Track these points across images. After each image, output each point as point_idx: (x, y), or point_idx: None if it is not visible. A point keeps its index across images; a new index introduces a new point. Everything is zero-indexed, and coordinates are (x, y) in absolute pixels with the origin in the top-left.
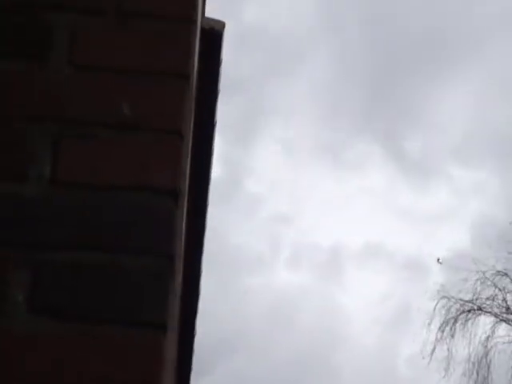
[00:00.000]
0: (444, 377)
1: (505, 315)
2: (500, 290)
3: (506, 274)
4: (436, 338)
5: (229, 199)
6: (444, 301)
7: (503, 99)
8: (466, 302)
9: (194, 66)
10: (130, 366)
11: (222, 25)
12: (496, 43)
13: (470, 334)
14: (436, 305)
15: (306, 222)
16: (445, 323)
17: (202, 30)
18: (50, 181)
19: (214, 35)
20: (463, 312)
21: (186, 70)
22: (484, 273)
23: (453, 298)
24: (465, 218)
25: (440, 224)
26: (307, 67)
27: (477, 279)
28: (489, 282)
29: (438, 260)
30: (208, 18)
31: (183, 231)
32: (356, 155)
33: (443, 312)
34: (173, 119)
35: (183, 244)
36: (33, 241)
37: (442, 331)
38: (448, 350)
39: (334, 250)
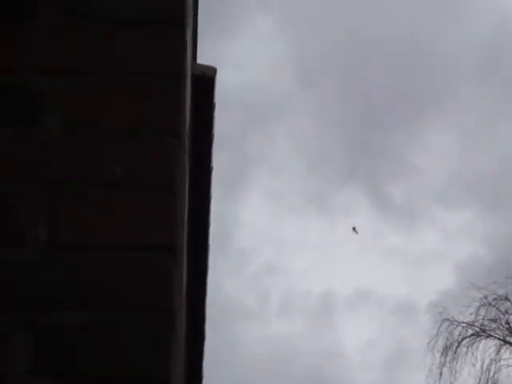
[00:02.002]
0: None
1: (508, 338)
2: (503, 313)
3: (506, 298)
4: (440, 362)
5: (218, 251)
6: (446, 324)
7: (484, 140)
8: (469, 324)
9: (185, 122)
10: None
11: (214, 70)
12: (477, 86)
13: (474, 358)
14: (439, 328)
15: (296, 271)
16: (448, 347)
17: (194, 75)
18: (46, 243)
19: (205, 81)
20: (466, 337)
21: (177, 126)
22: (486, 297)
23: (455, 321)
24: (452, 258)
25: (428, 266)
26: (289, 121)
27: (479, 304)
28: (491, 306)
29: (354, 229)
30: (199, 64)
31: (184, 285)
32: (342, 203)
33: (446, 335)
34: (165, 176)
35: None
36: (33, 304)
37: (446, 355)
38: (452, 373)
39: (325, 297)
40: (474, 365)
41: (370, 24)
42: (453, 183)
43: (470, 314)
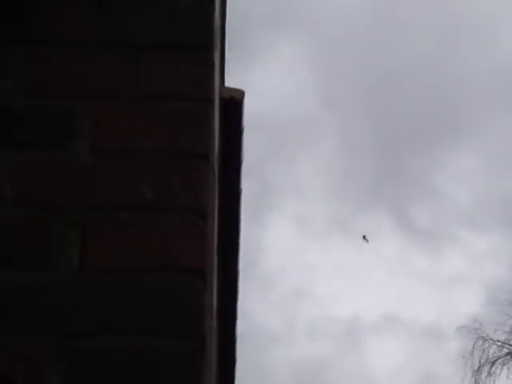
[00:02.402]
0: None
1: None
2: None
3: None
4: (474, 381)
5: (245, 276)
6: (480, 341)
7: (509, 163)
8: (504, 343)
9: (214, 145)
10: None
11: (242, 93)
12: (502, 110)
13: (507, 377)
14: (473, 346)
15: (322, 295)
16: (482, 365)
17: (222, 99)
18: (78, 268)
19: (234, 104)
20: (501, 356)
21: (206, 150)
22: None
23: (490, 339)
24: (479, 282)
25: (455, 289)
26: (314, 145)
27: None
28: None
29: (364, 237)
30: (227, 88)
31: (214, 308)
32: (367, 226)
33: (480, 353)
34: (195, 199)
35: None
36: (65, 329)
37: (480, 374)
38: None
39: (352, 321)
40: None
41: (395, 50)
42: (479, 206)
43: (506, 332)
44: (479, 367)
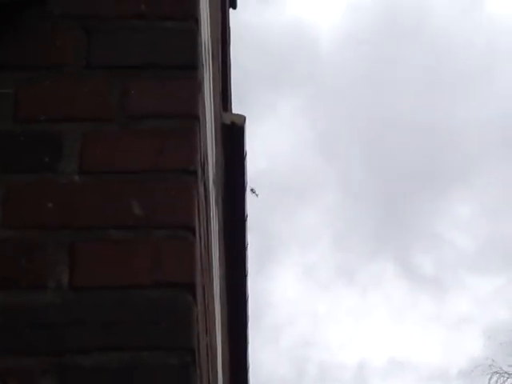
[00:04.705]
0: None
1: None
2: None
3: None
4: None
5: (253, 327)
6: (496, 376)
7: (507, 209)
8: None
9: (200, 161)
10: None
11: (243, 118)
12: (499, 156)
13: None
14: (489, 381)
15: (330, 343)
16: None
17: (224, 125)
18: (68, 287)
19: (235, 129)
20: None
21: (193, 166)
22: None
23: (506, 373)
24: (485, 324)
25: (460, 332)
26: (316, 196)
27: None
28: None
29: (252, 190)
30: (228, 113)
31: (209, 327)
32: (372, 273)
33: None
34: (184, 215)
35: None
36: (58, 347)
37: None
38: None
39: (360, 367)
40: None
41: (393, 101)
42: (481, 251)
43: None
44: None
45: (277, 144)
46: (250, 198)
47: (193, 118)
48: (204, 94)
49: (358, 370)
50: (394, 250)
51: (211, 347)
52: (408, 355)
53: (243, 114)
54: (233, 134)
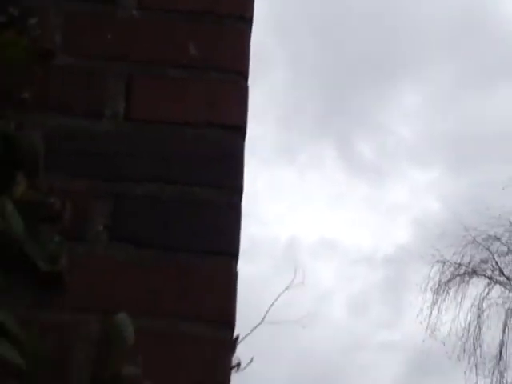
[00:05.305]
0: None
1: (498, 278)
2: (492, 253)
3: (497, 238)
4: (432, 301)
5: None
6: (439, 265)
7: (452, 100)
8: (460, 264)
9: (253, 8)
10: (204, 296)
11: None
12: (448, 53)
13: (464, 296)
14: (431, 269)
15: (263, 217)
16: (440, 286)
17: None
18: (124, 118)
19: None
20: (458, 275)
21: (249, 13)
22: (475, 238)
23: (448, 261)
24: (415, 214)
25: (391, 221)
26: (265, 75)
27: (466, 243)
28: (481, 247)
29: None
30: None
31: None
32: (313, 155)
33: (438, 276)
34: (236, 60)
35: None
36: (112, 174)
37: (438, 294)
38: (439, 311)
39: (290, 245)
40: (460, 303)
41: None
42: (421, 143)
43: (461, 255)
44: (438, 287)
45: None
46: None
47: None
48: None
49: (288, 247)
50: (337, 135)
51: None
52: (339, 238)
53: None
54: None
